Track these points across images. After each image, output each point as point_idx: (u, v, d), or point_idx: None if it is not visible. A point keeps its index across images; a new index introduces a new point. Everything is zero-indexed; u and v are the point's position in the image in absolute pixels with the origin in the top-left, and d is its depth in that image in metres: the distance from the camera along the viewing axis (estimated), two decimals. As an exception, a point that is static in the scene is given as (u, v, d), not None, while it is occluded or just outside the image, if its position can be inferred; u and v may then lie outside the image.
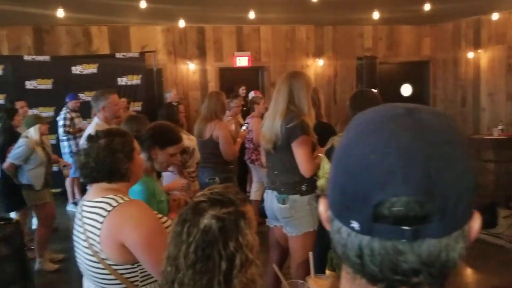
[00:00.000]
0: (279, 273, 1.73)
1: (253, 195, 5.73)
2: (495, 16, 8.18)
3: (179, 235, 1.20)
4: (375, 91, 3.79)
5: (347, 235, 0.56)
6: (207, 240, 1.17)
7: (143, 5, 6.08)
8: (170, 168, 4.20)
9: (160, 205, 2.24)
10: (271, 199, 3.01)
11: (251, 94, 7.02)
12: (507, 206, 5.82)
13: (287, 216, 2.90)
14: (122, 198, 1.71)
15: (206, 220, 1.19)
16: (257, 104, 5.77)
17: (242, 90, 7.39)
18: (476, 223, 0.58)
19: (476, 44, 8.88)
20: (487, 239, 4.88)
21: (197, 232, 1.18)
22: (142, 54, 8.05)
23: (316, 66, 9.27)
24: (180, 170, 4.21)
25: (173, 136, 2.48)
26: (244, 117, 6.07)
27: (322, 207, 0.63)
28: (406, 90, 9.82)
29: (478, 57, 8.85)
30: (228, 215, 1.20)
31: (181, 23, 7.75)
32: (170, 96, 7.19)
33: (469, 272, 4.32)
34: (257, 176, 5.67)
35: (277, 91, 2.93)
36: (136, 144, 1.87)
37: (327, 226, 0.62)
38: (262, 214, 4.80)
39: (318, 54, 9.27)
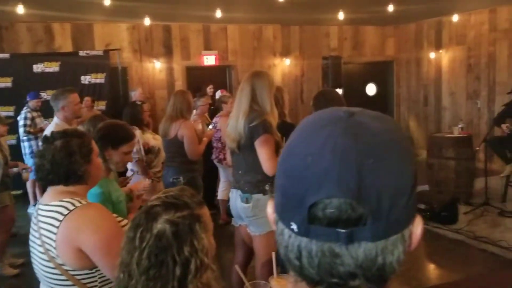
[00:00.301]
0: (241, 274, 1.73)
1: (221, 194, 5.71)
2: (455, 17, 8.43)
3: (131, 241, 1.16)
4: (339, 91, 3.85)
5: (288, 237, 0.56)
6: (161, 246, 1.14)
7: (107, 2, 5.95)
8: (135, 168, 4.16)
9: (118, 206, 2.20)
10: (235, 198, 3.01)
11: (218, 93, 6.98)
12: (467, 202, 6.02)
13: (250, 215, 2.91)
14: (79, 202, 1.66)
15: (160, 224, 1.16)
16: (225, 103, 5.75)
17: (209, 89, 7.34)
18: (417, 228, 0.57)
19: (438, 45, 9.13)
20: (448, 235, 5.02)
21: (150, 238, 1.15)
22: (106, 52, 7.88)
23: (283, 65, 9.32)
24: (145, 170, 4.16)
25: (125, 134, 2.42)
26: (211, 116, 6.03)
27: (270, 208, 0.62)
28: (371, 89, 10.02)
29: (440, 58, 9.10)
30: (182, 219, 1.17)
31: (147, 21, 7.63)
32: (135, 94, 7.07)
33: (430, 267, 4.44)
34: (225, 175, 5.65)
35: (240, 91, 2.93)
36: (94, 145, 1.82)
37: (274, 228, 0.61)
38: (229, 213, 4.80)
39: (285, 53, 9.32)
